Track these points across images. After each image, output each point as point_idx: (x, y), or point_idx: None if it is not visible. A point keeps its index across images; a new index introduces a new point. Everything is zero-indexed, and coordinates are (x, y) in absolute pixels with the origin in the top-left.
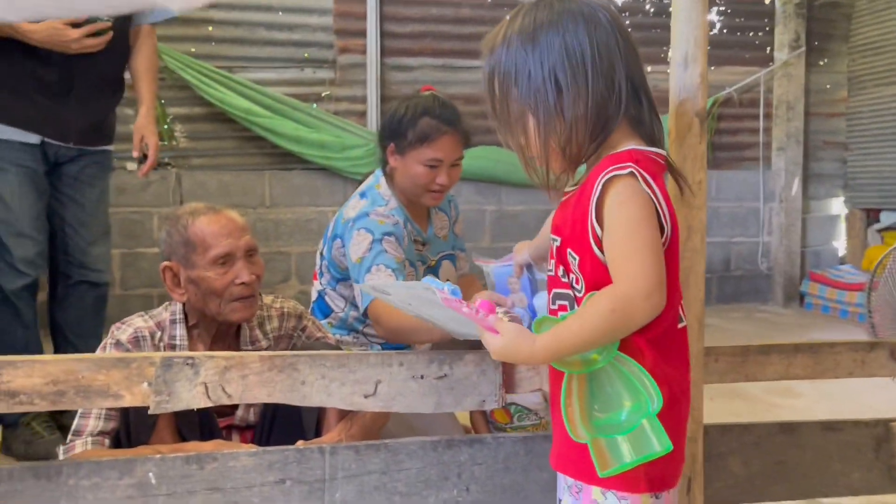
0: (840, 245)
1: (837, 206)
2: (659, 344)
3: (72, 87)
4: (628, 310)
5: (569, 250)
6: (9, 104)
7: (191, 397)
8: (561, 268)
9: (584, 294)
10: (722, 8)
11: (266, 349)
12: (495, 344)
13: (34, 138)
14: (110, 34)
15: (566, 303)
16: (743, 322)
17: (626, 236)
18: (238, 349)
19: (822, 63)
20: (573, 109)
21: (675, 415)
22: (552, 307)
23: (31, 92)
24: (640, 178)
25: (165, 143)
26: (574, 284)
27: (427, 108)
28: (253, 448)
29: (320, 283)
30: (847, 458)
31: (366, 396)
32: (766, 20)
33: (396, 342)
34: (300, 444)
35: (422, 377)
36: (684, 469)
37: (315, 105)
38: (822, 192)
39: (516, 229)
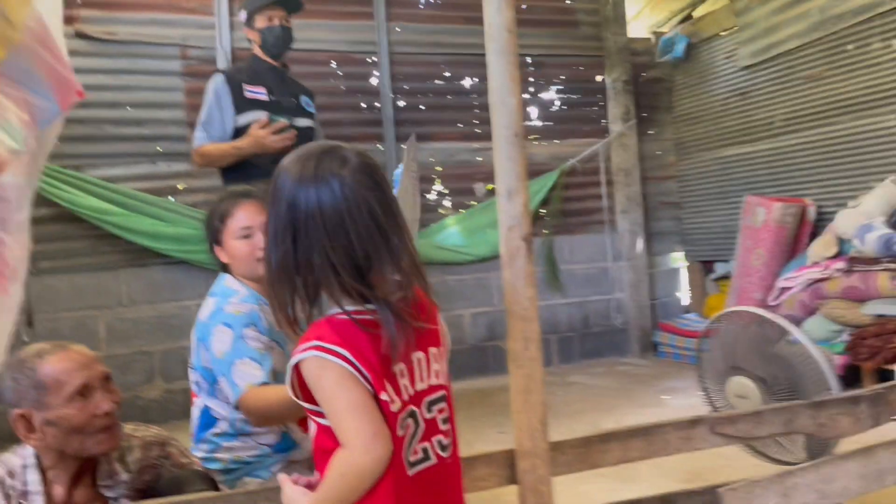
0: (684, 295)
1: (678, 259)
2: (390, 493)
3: None
4: (354, 469)
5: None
6: None
7: None
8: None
9: None
10: (560, 87)
11: (125, 482)
12: (284, 495)
13: None
14: (293, 131)
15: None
16: (605, 377)
17: (329, 407)
18: (95, 486)
19: (651, 132)
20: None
21: None
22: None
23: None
24: (323, 353)
25: None
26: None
27: (222, 197)
28: None
29: (200, 400)
30: None
31: None
32: (599, 96)
33: (270, 425)
34: None
35: None
36: None
37: (171, 198)
38: (664, 248)
39: None
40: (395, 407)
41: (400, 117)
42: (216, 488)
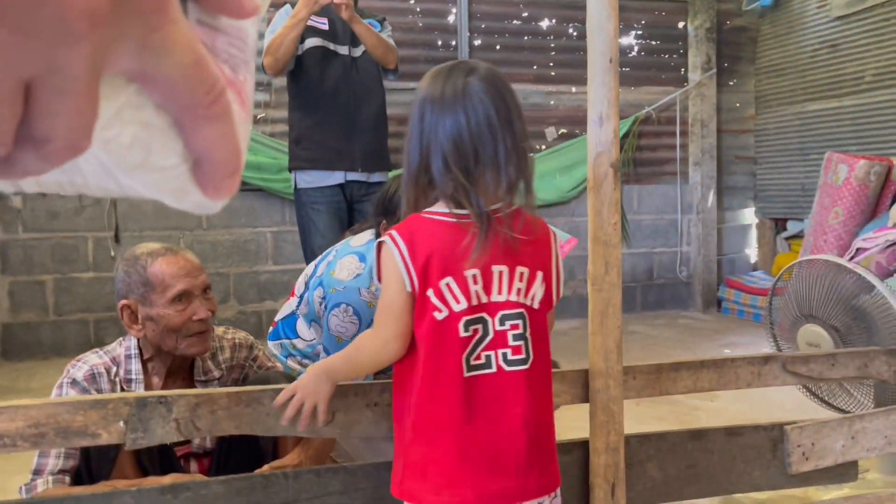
0: (752, 253)
1: (749, 216)
2: (422, 388)
3: (354, 126)
4: (369, 351)
5: None
6: (317, 155)
7: (164, 433)
8: None
9: None
10: (640, 32)
11: (219, 379)
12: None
13: (339, 177)
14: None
15: None
16: (666, 328)
17: (381, 291)
18: (191, 380)
19: (731, 83)
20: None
21: (426, 449)
22: None
23: (329, 139)
24: (391, 242)
25: None
26: None
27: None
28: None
29: (298, 307)
30: (748, 459)
31: (326, 425)
32: (679, 43)
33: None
34: (266, 467)
35: (376, 405)
36: (608, 475)
37: (251, 127)
38: (735, 203)
39: None
40: (458, 307)
41: (475, 56)
42: None
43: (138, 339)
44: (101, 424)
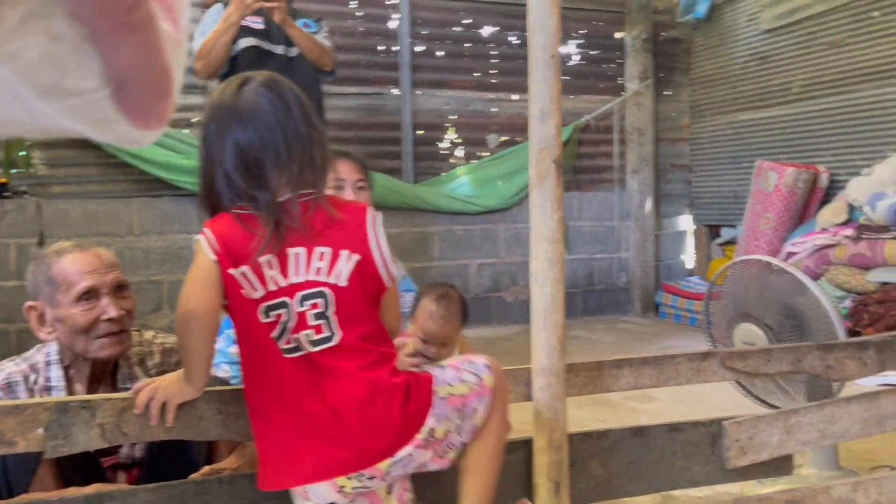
0: (689, 258)
1: (685, 222)
2: (247, 377)
3: None
4: (181, 316)
5: None
6: None
7: (88, 440)
8: None
9: None
10: (579, 41)
11: None
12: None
13: None
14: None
15: None
16: (606, 333)
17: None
18: (116, 387)
19: (667, 93)
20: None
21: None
22: None
23: None
24: (202, 235)
25: (23, 170)
26: None
27: None
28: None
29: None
30: (689, 455)
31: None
32: (617, 53)
33: None
34: (205, 469)
35: None
36: (552, 473)
37: (186, 131)
38: (672, 210)
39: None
40: (256, 295)
41: (416, 62)
42: None
43: (58, 345)
44: (19, 431)
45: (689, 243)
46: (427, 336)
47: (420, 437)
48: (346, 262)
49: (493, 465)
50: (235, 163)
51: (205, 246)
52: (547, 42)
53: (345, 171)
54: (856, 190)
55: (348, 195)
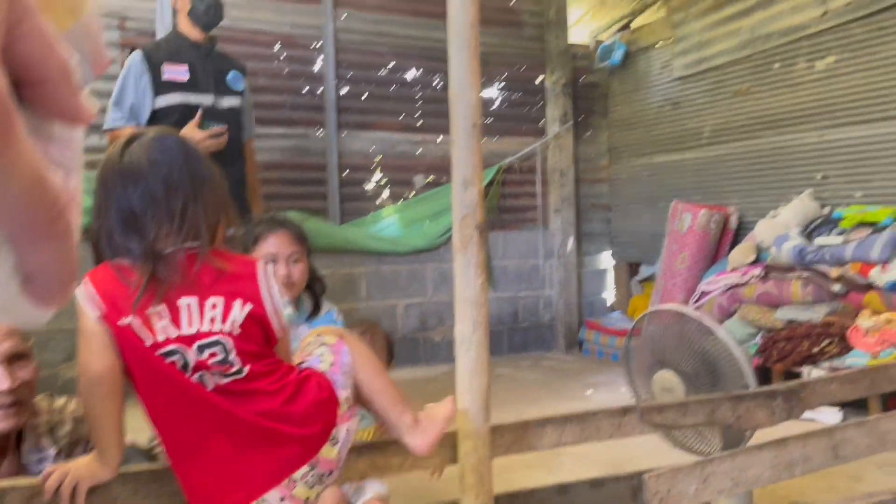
0: (610, 295)
1: (606, 260)
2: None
3: None
4: (83, 381)
5: None
6: None
7: None
8: None
9: None
10: (503, 86)
11: (57, 455)
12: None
13: None
14: (225, 137)
15: None
16: (531, 370)
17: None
18: (20, 460)
19: (587, 135)
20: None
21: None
22: None
23: None
24: (81, 285)
25: None
26: None
27: (259, 220)
28: None
29: None
30: None
31: None
32: (538, 97)
33: None
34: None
35: None
36: None
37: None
38: (593, 248)
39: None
40: (148, 343)
41: (342, 105)
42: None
43: None
44: None
45: (610, 280)
46: None
47: (342, 410)
48: (240, 311)
49: (382, 374)
50: (116, 218)
51: (83, 302)
52: (468, 112)
53: (277, 245)
54: (762, 231)
55: (280, 270)
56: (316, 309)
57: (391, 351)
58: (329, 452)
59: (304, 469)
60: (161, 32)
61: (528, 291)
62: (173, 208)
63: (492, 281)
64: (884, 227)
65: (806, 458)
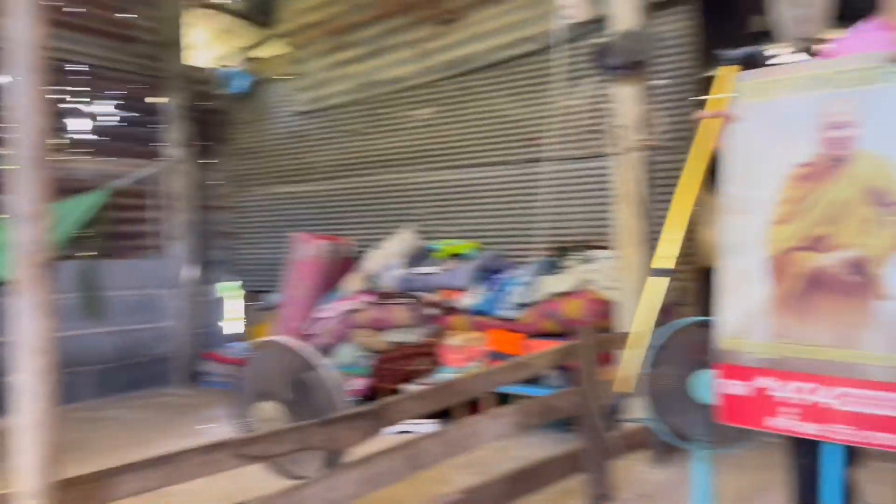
0: (232, 324)
1: (229, 288)
2: None
3: None
4: None
5: None
6: None
7: None
8: None
9: None
10: (119, 103)
11: None
12: None
13: None
14: None
15: None
16: (144, 409)
17: None
18: None
19: (210, 162)
20: None
21: None
22: None
23: None
24: None
25: None
26: None
27: None
28: None
29: None
30: None
31: None
32: (158, 118)
33: None
34: None
35: None
36: None
37: None
38: (216, 277)
39: None
40: None
41: None
42: None
43: None
44: None
45: (233, 309)
46: None
47: None
48: None
49: None
50: None
51: None
52: (33, 141)
53: None
54: (372, 262)
55: None
56: None
57: None
58: None
59: None
60: None
61: (145, 324)
62: None
63: (99, 314)
64: (468, 259)
65: (391, 470)
